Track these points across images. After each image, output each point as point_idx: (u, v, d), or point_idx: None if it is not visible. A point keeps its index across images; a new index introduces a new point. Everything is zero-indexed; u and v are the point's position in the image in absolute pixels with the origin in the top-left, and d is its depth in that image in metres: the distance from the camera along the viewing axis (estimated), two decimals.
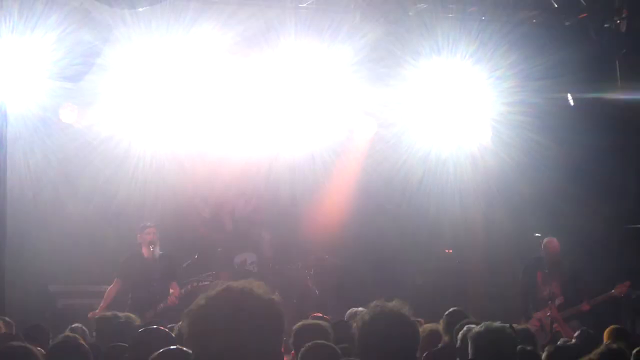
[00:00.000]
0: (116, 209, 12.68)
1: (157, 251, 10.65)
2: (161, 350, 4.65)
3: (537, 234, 10.95)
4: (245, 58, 11.98)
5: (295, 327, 6.12)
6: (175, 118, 12.83)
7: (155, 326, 5.69)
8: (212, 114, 13.11)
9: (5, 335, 7.00)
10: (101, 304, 10.48)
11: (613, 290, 10.56)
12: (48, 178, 12.38)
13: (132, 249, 10.97)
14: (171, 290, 10.59)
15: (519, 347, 5.40)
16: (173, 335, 5.54)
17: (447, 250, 13.08)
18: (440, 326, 6.99)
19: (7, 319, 8.13)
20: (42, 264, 12.05)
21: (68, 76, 11.41)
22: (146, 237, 10.74)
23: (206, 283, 11.62)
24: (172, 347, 4.71)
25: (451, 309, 7.04)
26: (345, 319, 8.12)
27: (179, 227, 12.96)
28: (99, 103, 12.45)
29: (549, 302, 10.59)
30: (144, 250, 10.73)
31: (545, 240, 10.86)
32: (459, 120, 13.44)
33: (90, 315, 9.68)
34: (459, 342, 5.80)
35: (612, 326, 7.19)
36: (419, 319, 7.06)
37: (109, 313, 7.53)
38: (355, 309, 8.10)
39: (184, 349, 4.56)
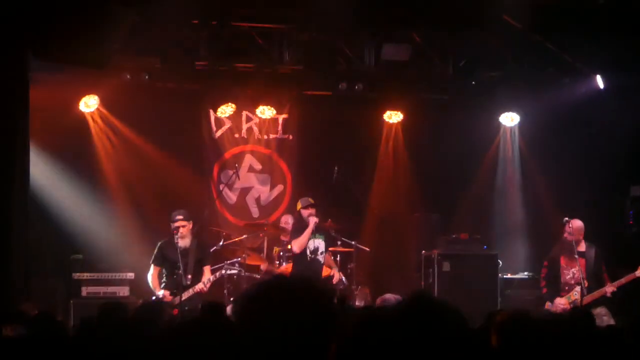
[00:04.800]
0: (137, 199, 12.70)
1: (187, 242, 10.55)
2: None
3: (565, 219, 10.81)
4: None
5: None
6: (196, 106, 12.87)
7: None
8: (232, 102, 13.07)
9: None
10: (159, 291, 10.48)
11: (636, 272, 10.43)
12: (67, 169, 12.36)
13: (167, 236, 10.90)
14: (204, 279, 10.52)
15: (553, 332, 5.26)
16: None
17: (475, 236, 12.95)
18: None
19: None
20: (66, 252, 12.05)
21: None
22: (176, 226, 10.61)
23: (234, 272, 11.63)
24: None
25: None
26: (377, 304, 7.97)
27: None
28: (120, 94, 12.43)
29: (574, 286, 10.53)
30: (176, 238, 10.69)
31: (570, 221, 10.75)
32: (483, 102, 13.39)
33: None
34: None
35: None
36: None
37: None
38: (387, 295, 7.96)
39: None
